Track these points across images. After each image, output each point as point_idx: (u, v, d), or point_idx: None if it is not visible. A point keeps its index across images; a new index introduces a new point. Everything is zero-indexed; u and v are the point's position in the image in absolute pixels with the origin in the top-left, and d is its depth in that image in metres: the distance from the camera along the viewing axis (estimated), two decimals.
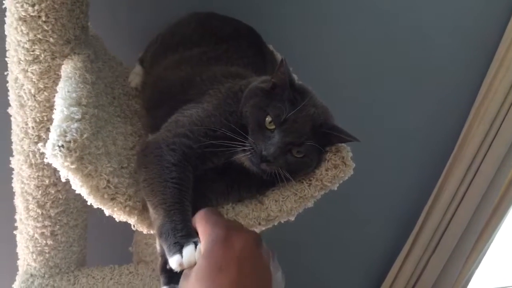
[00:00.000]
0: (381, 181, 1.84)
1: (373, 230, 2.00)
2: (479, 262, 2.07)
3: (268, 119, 0.75)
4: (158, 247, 0.71)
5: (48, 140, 0.68)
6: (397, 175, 1.87)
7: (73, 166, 0.68)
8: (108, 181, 0.71)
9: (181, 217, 0.66)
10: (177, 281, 0.63)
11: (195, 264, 0.57)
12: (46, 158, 0.68)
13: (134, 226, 0.77)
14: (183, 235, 0.63)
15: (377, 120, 1.67)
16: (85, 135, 0.70)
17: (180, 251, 0.60)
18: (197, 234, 0.62)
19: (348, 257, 2.06)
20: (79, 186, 0.70)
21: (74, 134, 0.69)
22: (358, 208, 1.90)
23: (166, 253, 0.63)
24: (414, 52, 1.59)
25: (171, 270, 0.65)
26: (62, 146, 0.67)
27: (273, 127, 0.75)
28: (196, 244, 0.60)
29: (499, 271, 2.51)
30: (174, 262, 0.60)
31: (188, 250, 0.59)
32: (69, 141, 0.68)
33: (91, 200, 0.72)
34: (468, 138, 1.74)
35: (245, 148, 0.75)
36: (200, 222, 0.61)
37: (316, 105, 0.79)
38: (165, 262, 0.67)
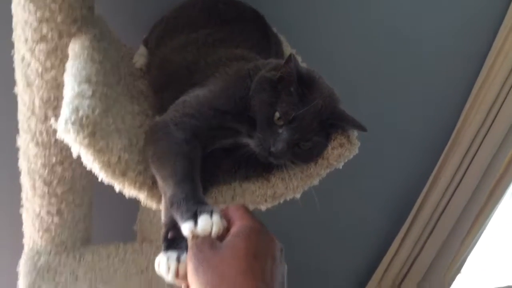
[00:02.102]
0: (379, 165, 1.86)
1: (371, 212, 2.04)
2: (474, 245, 2.12)
3: (277, 115, 0.77)
4: (163, 218, 0.72)
5: (59, 117, 0.70)
6: (395, 159, 1.90)
7: (85, 142, 0.69)
8: (119, 157, 0.73)
9: (192, 187, 0.67)
10: (174, 249, 0.64)
11: (210, 232, 0.57)
12: (58, 134, 0.69)
13: (144, 202, 0.78)
14: (195, 202, 0.63)
15: (374, 104, 1.69)
16: (96, 111, 0.71)
17: (192, 218, 0.59)
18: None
19: (346, 238, 2.09)
20: (91, 162, 0.71)
21: (86, 110, 0.70)
22: (357, 189, 1.92)
23: (178, 220, 0.62)
24: (413, 35, 1.60)
25: (171, 239, 0.66)
26: (75, 122, 0.68)
27: (281, 123, 0.77)
28: (211, 212, 0.59)
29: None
30: (186, 228, 0.59)
31: (204, 218, 0.58)
32: (82, 117, 0.69)
33: (103, 176, 0.73)
34: (465, 124, 1.76)
35: (253, 141, 0.77)
36: (239, 209, 0.61)
37: (323, 94, 0.79)
38: (167, 231, 0.68)
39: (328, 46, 1.54)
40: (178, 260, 0.61)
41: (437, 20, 1.59)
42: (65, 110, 0.70)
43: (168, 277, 0.60)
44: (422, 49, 1.64)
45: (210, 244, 0.56)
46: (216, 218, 0.58)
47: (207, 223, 0.58)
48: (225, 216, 0.61)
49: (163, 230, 0.70)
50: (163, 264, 0.61)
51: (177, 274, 0.60)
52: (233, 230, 0.58)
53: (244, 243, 0.55)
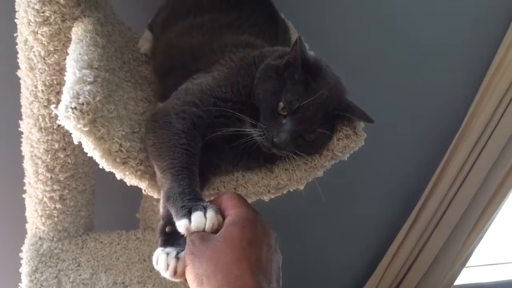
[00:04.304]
0: (386, 155, 1.84)
1: (377, 204, 2.02)
2: (481, 238, 2.10)
3: (281, 105, 0.75)
4: (161, 210, 0.71)
5: (60, 102, 0.68)
6: (403, 149, 1.88)
7: (85, 129, 0.67)
8: (120, 145, 0.71)
9: (189, 182, 0.66)
10: (172, 245, 0.64)
11: (203, 229, 0.58)
12: (59, 120, 0.68)
13: (145, 190, 0.77)
14: (190, 198, 0.63)
15: (383, 92, 1.66)
16: (97, 98, 0.69)
17: (187, 215, 0.60)
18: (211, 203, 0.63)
19: (352, 228, 2.08)
20: (91, 149, 0.70)
21: (87, 96, 0.68)
22: (363, 181, 1.91)
23: (174, 216, 0.62)
24: (427, 22, 1.58)
25: (169, 233, 0.66)
26: (75, 108, 0.67)
27: (285, 113, 0.75)
28: (205, 209, 0.59)
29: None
30: (181, 226, 0.60)
31: (197, 215, 0.59)
32: (82, 103, 0.67)
33: (103, 164, 0.71)
34: (476, 113, 1.73)
35: (256, 131, 0.76)
36: (234, 198, 0.62)
37: (329, 84, 0.77)
38: (164, 224, 0.68)
39: (336, 34, 1.51)
40: (177, 257, 0.61)
41: (446, 17, 1.58)
42: (66, 95, 0.68)
43: (166, 274, 0.60)
44: (438, 30, 1.62)
45: (202, 237, 0.57)
46: (210, 214, 0.59)
47: (201, 220, 0.58)
48: (218, 205, 0.61)
49: (160, 223, 0.69)
50: (162, 261, 0.61)
51: (175, 272, 0.60)
52: (228, 219, 0.58)
53: (239, 231, 0.55)
